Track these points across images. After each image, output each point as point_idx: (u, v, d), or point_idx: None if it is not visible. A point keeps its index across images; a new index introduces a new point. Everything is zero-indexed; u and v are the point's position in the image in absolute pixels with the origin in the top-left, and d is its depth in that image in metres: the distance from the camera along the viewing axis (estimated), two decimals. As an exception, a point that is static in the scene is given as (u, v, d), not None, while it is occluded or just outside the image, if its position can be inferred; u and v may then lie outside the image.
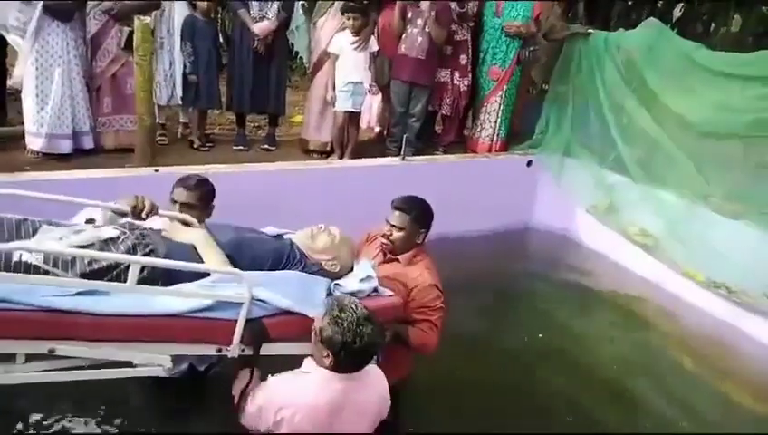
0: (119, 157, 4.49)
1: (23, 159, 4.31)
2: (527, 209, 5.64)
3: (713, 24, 7.03)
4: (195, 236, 2.15)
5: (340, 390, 1.95)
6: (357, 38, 4.89)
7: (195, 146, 5.02)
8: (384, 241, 2.57)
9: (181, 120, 5.27)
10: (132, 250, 2.00)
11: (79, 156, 4.45)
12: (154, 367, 1.92)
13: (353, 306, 1.91)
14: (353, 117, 5.15)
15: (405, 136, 4.99)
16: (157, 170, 4.13)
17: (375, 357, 2.32)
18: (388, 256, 2.61)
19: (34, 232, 2.01)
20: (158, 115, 4.88)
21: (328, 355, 1.90)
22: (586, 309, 4.60)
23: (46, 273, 1.82)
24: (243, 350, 2.01)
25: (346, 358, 1.90)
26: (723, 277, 4.22)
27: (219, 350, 2.00)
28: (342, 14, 4.87)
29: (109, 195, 3.74)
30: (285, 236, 2.45)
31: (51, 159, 4.33)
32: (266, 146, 5.25)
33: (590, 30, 5.39)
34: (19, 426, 2.57)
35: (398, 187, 4.80)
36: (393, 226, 2.56)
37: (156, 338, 1.91)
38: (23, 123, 4.41)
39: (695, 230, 4.41)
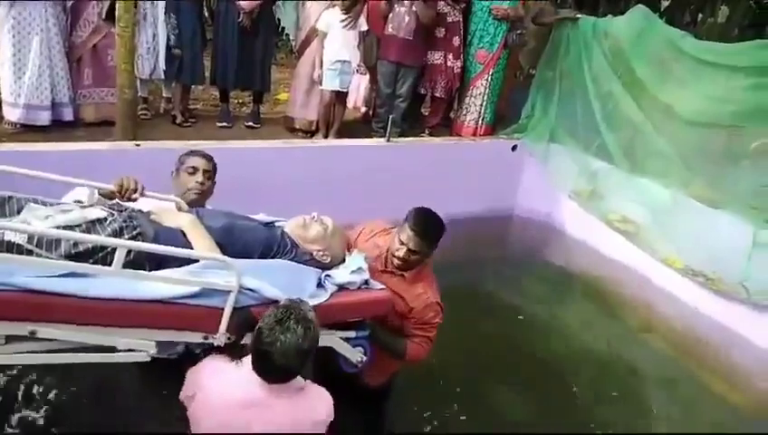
0: (99, 130, 4.41)
1: (-1, 130, 4.22)
2: (511, 194, 5.66)
3: (700, 15, 7.07)
4: (184, 220, 2.09)
5: (258, 397, 1.80)
6: (346, 16, 4.82)
7: (177, 121, 4.94)
8: (397, 261, 2.43)
9: (164, 95, 5.18)
10: (119, 232, 1.94)
11: (58, 128, 4.36)
12: (138, 352, 1.88)
13: (296, 310, 1.80)
14: (340, 96, 5.10)
15: (391, 117, 4.97)
16: (138, 145, 4.07)
17: (362, 355, 2.32)
18: (390, 267, 2.48)
19: (19, 210, 1.94)
20: (140, 89, 4.79)
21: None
22: (565, 295, 4.66)
23: (30, 253, 1.76)
24: (229, 338, 1.97)
25: (259, 360, 1.78)
26: (701, 265, 4.28)
27: (205, 337, 1.97)
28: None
29: (89, 169, 3.68)
30: (277, 224, 2.39)
31: (29, 131, 4.24)
32: (251, 123, 5.19)
33: (578, 15, 5.37)
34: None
35: (383, 168, 4.88)
36: (409, 249, 2.39)
37: (141, 323, 1.87)
38: (-1, 93, 4.30)
39: (675, 218, 4.46)
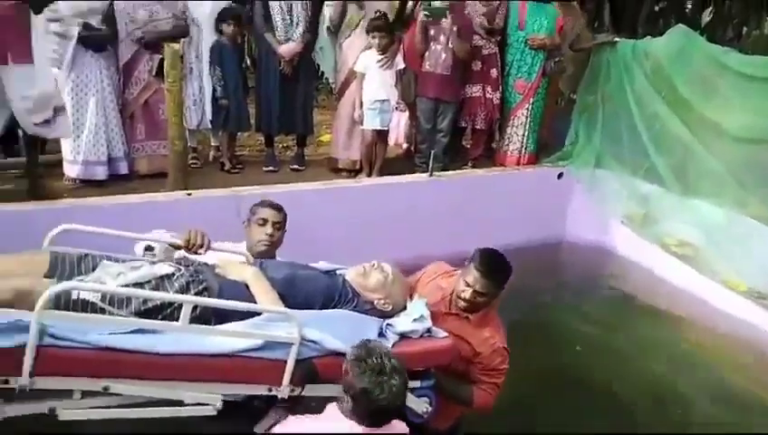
0: (153, 181, 4.58)
1: (61, 186, 4.43)
2: (560, 222, 5.55)
3: (744, 28, 6.90)
4: (247, 274, 2.16)
5: None
6: (383, 56, 4.92)
7: (225, 168, 5.09)
8: (462, 303, 2.39)
9: (212, 144, 5.36)
10: (186, 287, 2.04)
11: (114, 181, 4.55)
12: (205, 406, 1.93)
13: (383, 352, 1.78)
14: (381, 135, 5.17)
15: (432, 152, 4.99)
16: (189, 194, 4.20)
17: (428, 405, 2.28)
18: (455, 308, 2.44)
19: (94, 268, 2.06)
20: (190, 139, 4.97)
21: (348, 401, 1.77)
22: (625, 322, 4.49)
23: (103, 310, 1.87)
24: (292, 390, 2.00)
25: (362, 408, 1.75)
26: (766, 287, 4.08)
27: (269, 390, 2.00)
28: (368, 33, 4.91)
29: (144, 219, 3.85)
30: (338, 273, 2.42)
31: (87, 186, 4.44)
32: (295, 166, 5.30)
33: (616, 39, 5.33)
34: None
35: (427, 203, 4.89)
36: (475, 291, 2.34)
37: (207, 377, 1.93)
38: (60, 151, 4.53)
39: (734, 239, 4.30)
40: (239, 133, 5.32)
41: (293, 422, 1.87)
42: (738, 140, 4.40)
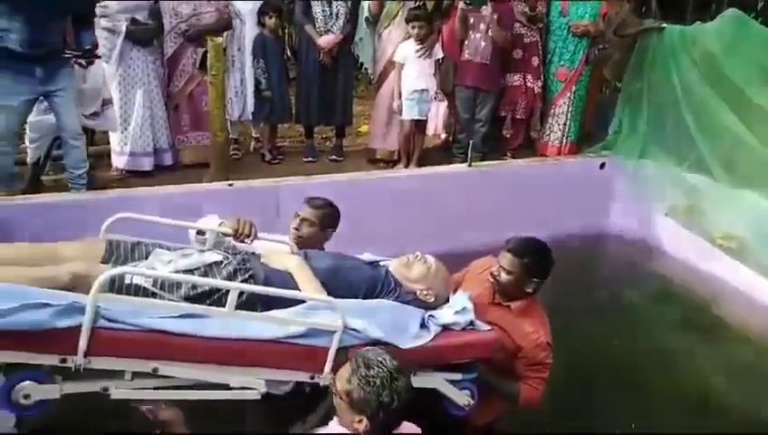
0: (196, 172, 4.68)
1: (108, 177, 4.58)
2: (603, 213, 5.43)
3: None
4: (291, 263, 2.21)
5: None
6: (421, 46, 4.90)
7: (266, 159, 5.17)
8: (491, 279, 2.42)
9: (253, 135, 5.45)
10: (233, 275, 2.09)
11: (160, 172, 4.68)
12: (249, 390, 1.98)
13: (380, 359, 1.73)
14: (419, 125, 5.16)
15: (471, 142, 4.95)
16: (231, 184, 4.29)
17: (470, 398, 2.29)
18: (497, 298, 2.45)
19: (147, 255, 2.15)
20: (231, 130, 5.06)
21: (361, 420, 1.70)
22: (671, 318, 4.38)
23: (154, 295, 1.94)
24: (334, 378, 2.03)
25: (385, 420, 1.71)
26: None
27: (312, 377, 2.04)
28: (407, 23, 4.89)
29: (187, 209, 3.95)
30: (381, 264, 2.45)
31: (134, 176, 4.58)
32: (334, 157, 5.35)
33: (663, 24, 5.16)
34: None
35: (466, 194, 4.85)
36: (502, 267, 2.37)
37: (252, 362, 1.97)
38: (108, 143, 4.69)
39: (785, 232, 4.14)
40: (279, 124, 5.39)
41: None
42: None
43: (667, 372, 3.70)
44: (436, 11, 5.16)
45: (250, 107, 5.08)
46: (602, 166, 5.37)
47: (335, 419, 1.82)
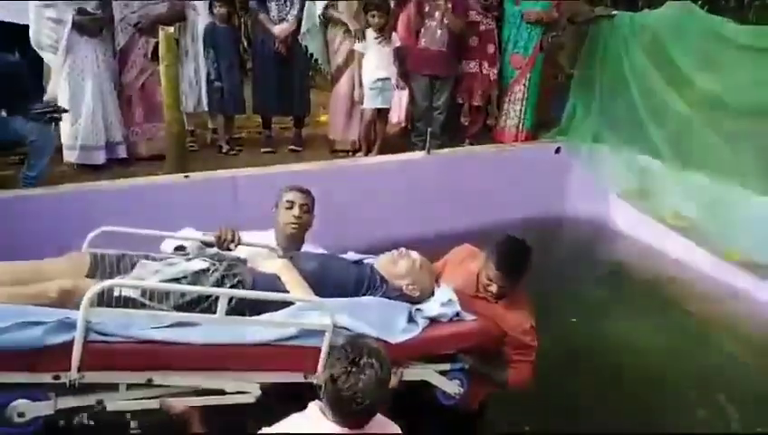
0: (152, 165, 4.57)
1: (59, 172, 4.44)
2: (558, 197, 5.58)
3: (745, -1, 6.82)
4: (278, 265, 2.23)
5: None
6: (380, 35, 4.89)
7: (223, 151, 5.10)
8: (489, 295, 2.47)
9: (209, 126, 5.36)
10: (221, 281, 2.10)
11: (113, 166, 4.56)
12: (244, 394, 1.99)
13: (365, 348, 1.70)
14: (381, 113, 5.17)
15: (429, 130, 4.99)
16: (187, 176, 4.23)
17: (460, 387, 2.35)
18: (483, 293, 2.51)
19: (132, 266, 2.14)
20: (187, 122, 4.96)
21: (322, 395, 1.70)
22: (623, 295, 4.54)
23: (144, 306, 1.94)
24: None
25: (330, 397, 1.67)
26: (761, 257, 4.12)
27: (305, 377, 2.07)
28: (365, 12, 4.88)
29: (143, 203, 3.89)
30: (366, 262, 2.49)
31: (86, 171, 4.46)
32: (293, 147, 5.31)
33: (614, 12, 5.29)
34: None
35: (425, 181, 4.90)
36: (491, 280, 2.43)
37: (245, 367, 1.99)
38: (59, 137, 4.55)
39: (731, 211, 4.33)
40: (237, 115, 5.32)
41: (279, 425, 1.79)
42: (739, 113, 4.40)
43: (623, 347, 3.84)
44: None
45: (205, 98, 5.00)
46: (558, 151, 5.50)
47: (313, 403, 1.79)
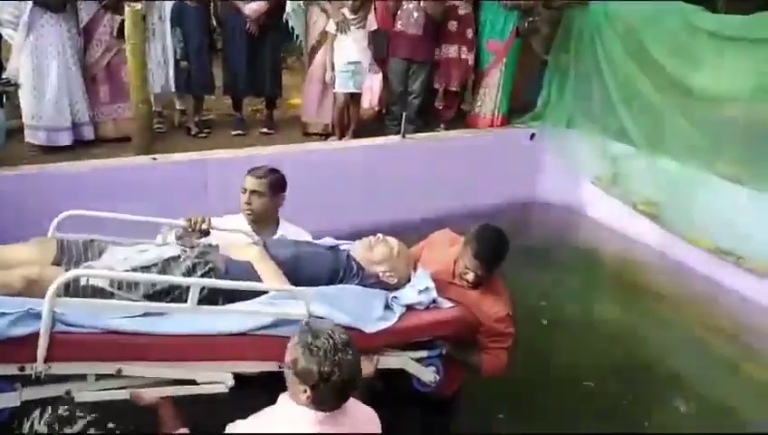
0: (118, 147, 4.44)
1: (22, 153, 4.29)
2: (532, 182, 5.62)
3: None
4: (251, 253, 2.16)
5: (319, 430, 1.69)
6: (354, 16, 4.82)
7: (192, 133, 4.98)
8: (466, 283, 2.45)
9: (177, 108, 5.21)
10: (193, 269, 2.04)
11: (79, 147, 4.42)
12: (217, 384, 1.95)
13: (330, 332, 1.69)
14: (354, 97, 5.10)
15: (404, 114, 4.95)
16: (155, 159, 4.12)
17: (436, 374, 2.34)
18: (460, 281, 2.49)
19: (101, 253, 2.06)
20: (155, 103, 4.82)
21: (305, 390, 1.65)
22: (593, 279, 4.60)
23: (112, 295, 1.88)
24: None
25: (325, 392, 1.65)
26: (730, 244, 4.20)
27: (280, 366, 1.99)
28: (340, -6, 4.80)
29: (110, 186, 3.78)
30: (342, 248, 2.44)
31: (51, 152, 4.31)
32: (265, 129, 5.22)
33: (589, -2, 5.29)
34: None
35: (400, 165, 4.87)
36: (468, 268, 2.41)
37: (218, 356, 1.94)
38: (20, 117, 4.38)
39: (700, 198, 4.40)
40: (206, 96, 5.20)
41: (251, 420, 1.75)
42: (710, 101, 4.47)
43: (593, 330, 3.89)
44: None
45: (173, 78, 4.87)
46: (532, 137, 5.52)
47: (283, 394, 1.76)
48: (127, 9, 4.01)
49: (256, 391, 2.05)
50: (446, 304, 2.34)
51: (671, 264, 4.58)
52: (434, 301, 2.30)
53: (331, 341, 1.65)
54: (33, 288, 1.78)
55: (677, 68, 4.63)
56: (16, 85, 3.94)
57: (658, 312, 4.18)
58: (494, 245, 2.42)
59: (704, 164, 4.44)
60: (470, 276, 2.41)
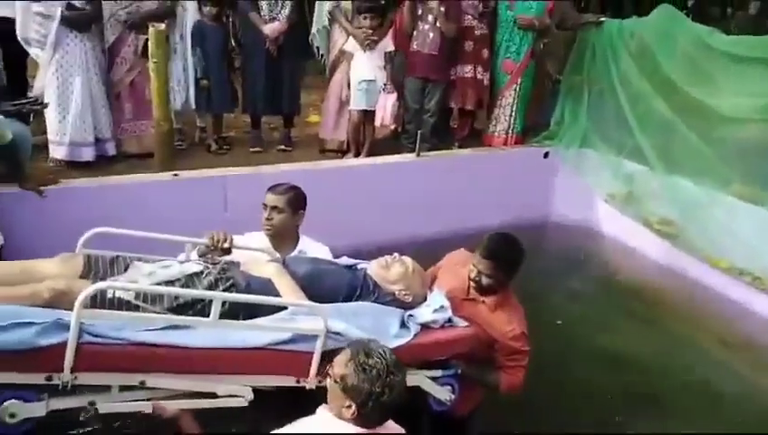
0: (140, 163, 4.53)
1: (46, 168, 4.39)
2: (545, 202, 5.63)
3: (729, 9, 6.93)
4: (271, 270, 2.22)
5: None
6: (370, 37, 4.89)
7: (212, 150, 5.07)
8: (472, 284, 2.46)
9: (198, 125, 5.32)
10: (215, 284, 2.09)
11: (102, 163, 4.51)
12: (237, 398, 1.99)
13: (381, 351, 1.73)
14: (368, 115, 5.17)
15: (419, 132, 5.00)
16: (176, 175, 4.20)
17: (451, 393, 2.35)
18: (472, 294, 2.50)
19: (126, 268, 2.13)
20: (176, 120, 4.93)
21: (350, 406, 1.68)
22: (608, 299, 4.58)
23: (137, 308, 1.93)
24: (320, 381, 2.04)
25: (372, 410, 1.68)
26: (747, 264, 4.18)
27: (297, 381, 2.06)
28: (359, 14, 4.88)
29: (132, 201, 3.86)
30: (359, 267, 2.49)
31: (74, 167, 4.41)
32: (282, 147, 5.29)
33: (602, 18, 5.35)
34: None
35: (415, 183, 4.91)
36: (481, 272, 2.41)
37: (238, 370, 1.99)
38: (45, 133, 4.50)
39: (716, 217, 4.39)
40: (225, 114, 5.29)
41: (288, 429, 1.80)
42: (722, 120, 4.48)
43: (607, 351, 3.86)
44: (388, 2, 5.18)
45: (193, 96, 4.97)
46: (546, 155, 5.54)
47: (322, 406, 1.79)
48: (151, 29, 4.11)
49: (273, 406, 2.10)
50: (462, 323, 2.37)
51: (687, 282, 4.55)
52: (449, 320, 2.33)
53: (383, 361, 1.69)
54: (60, 300, 1.84)
55: (692, 87, 4.64)
56: (44, 105, 4.02)
57: (674, 332, 4.16)
58: (504, 246, 2.44)
59: (719, 184, 4.44)
60: (473, 274, 2.41)
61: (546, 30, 5.32)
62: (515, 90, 5.42)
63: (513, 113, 5.48)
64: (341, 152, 5.30)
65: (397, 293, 2.34)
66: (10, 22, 4.17)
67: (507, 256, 2.43)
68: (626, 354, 3.87)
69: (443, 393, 2.35)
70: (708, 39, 4.56)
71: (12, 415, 1.71)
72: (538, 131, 5.70)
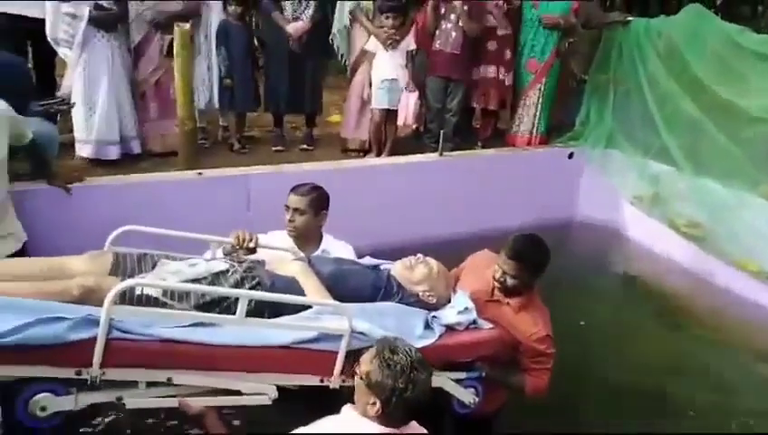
0: (164, 161, 4.58)
1: (72, 166, 4.45)
2: (570, 203, 5.57)
3: (759, 7, 6.80)
4: (296, 269, 2.23)
5: None
6: (391, 33, 4.88)
7: (234, 149, 5.10)
8: (497, 284, 2.44)
9: (221, 124, 5.36)
10: (241, 283, 2.10)
11: (127, 161, 4.57)
12: (261, 396, 2.00)
13: (407, 349, 1.74)
14: (390, 114, 5.15)
15: (442, 132, 4.98)
16: (200, 173, 4.24)
17: (475, 396, 2.34)
18: (497, 295, 2.48)
19: (153, 266, 2.15)
20: (199, 119, 4.97)
21: (375, 403, 1.69)
22: (633, 302, 4.51)
23: (165, 305, 1.96)
24: (344, 381, 2.05)
25: (396, 407, 1.68)
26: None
27: (321, 380, 2.06)
28: (381, 13, 4.88)
29: (156, 198, 3.90)
30: (383, 267, 2.48)
31: (99, 165, 4.47)
32: (304, 146, 5.31)
33: (629, 17, 5.27)
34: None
35: (437, 183, 4.89)
36: (506, 273, 2.38)
37: (263, 368, 1.99)
38: (71, 131, 4.56)
39: (745, 219, 4.31)
40: (248, 113, 5.32)
41: (313, 428, 1.80)
42: (752, 121, 4.38)
43: (630, 355, 3.80)
44: (409, 1, 5.16)
45: (217, 95, 5.01)
46: (571, 156, 5.48)
47: (347, 405, 1.80)
48: (176, 29, 4.15)
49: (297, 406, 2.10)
50: (486, 325, 2.34)
51: (714, 286, 4.47)
52: (474, 322, 2.30)
53: (408, 358, 1.70)
54: (90, 296, 1.86)
55: (721, 87, 4.56)
56: (70, 105, 4.08)
57: (700, 336, 4.08)
58: (529, 245, 2.41)
59: (748, 185, 4.35)
60: (498, 274, 2.39)
61: (572, 29, 5.26)
62: (540, 89, 5.37)
63: (538, 113, 5.44)
64: (363, 152, 5.30)
65: (421, 294, 2.33)
66: (39, 22, 4.24)
67: (533, 256, 2.40)
68: (650, 358, 3.80)
69: (467, 396, 2.33)
70: (738, 38, 4.47)
71: (43, 408, 1.72)
72: (563, 131, 5.64)
